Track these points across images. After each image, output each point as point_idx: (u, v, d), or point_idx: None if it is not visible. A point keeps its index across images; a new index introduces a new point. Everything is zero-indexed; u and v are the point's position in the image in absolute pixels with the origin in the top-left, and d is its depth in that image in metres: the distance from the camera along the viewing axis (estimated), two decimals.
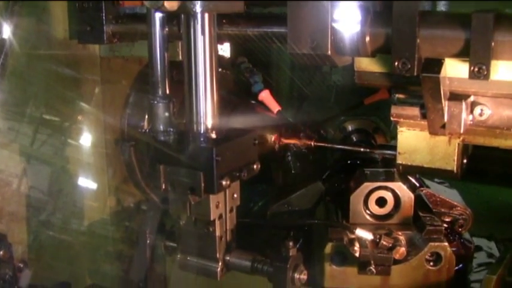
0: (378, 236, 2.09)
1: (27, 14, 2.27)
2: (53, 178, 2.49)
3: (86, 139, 2.53)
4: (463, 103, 1.74)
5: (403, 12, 1.60)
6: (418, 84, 1.69)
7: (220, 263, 1.94)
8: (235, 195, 1.95)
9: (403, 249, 2.10)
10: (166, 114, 1.90)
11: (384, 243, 2.09)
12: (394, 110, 1.89)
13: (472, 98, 1.78)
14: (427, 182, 2.41)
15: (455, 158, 1.90)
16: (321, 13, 1.69)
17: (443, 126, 1.77)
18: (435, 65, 1.64)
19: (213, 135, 1.81)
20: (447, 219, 2.27)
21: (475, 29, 1.53)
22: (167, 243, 2.14)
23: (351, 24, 1.66)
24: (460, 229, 2.27)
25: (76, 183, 2.55)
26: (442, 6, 1.88)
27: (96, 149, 2.55)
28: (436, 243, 2.14)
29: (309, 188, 2.43)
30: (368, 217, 2.22)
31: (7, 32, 2.21)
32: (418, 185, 2.34)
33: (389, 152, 2.31)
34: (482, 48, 1.53)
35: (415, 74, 1.63)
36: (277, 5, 2.00)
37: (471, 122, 1.79)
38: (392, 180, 2.20)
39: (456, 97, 1.75)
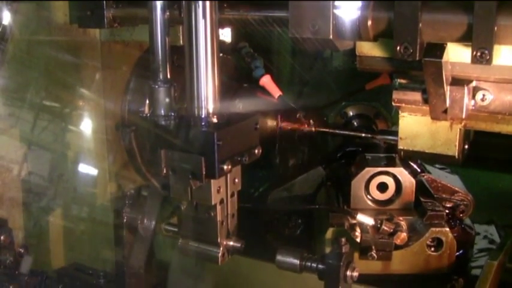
0: (379, 221, 2.11)
1: None
2: (53, 164, 2.46)
3: (86, 125, 2.50)
4: (465, 88, 1.73)
5: None
6: (420, 69, 1.69)
7: (221, 248, 1.93)
8: (236, 180, 1.93)
9: (404, 235, 2.12)
10: (167, 99, 1.89)
11: (385, 228, 2.11)
12: (396, 95, 1.89)
13: (474, 83, 1.77)
14: (429, 167, 2.41)
15: (457, 144, 1.89)
16: None
17: (445, 111, 1.77)
18: (437, 49, 1.63)
19: (214, 120, 1.79)
20: (448, 205, 2.27)
21: (478, 13, 1.52)
22: (168, 227, 2.13)
23: (352, 8, 1.65)
24: (461, 215, 2.27)
25: (76, 169, 2.53)
26: None
27: (96, 134, 2.51)
28: (437, 229, 2.16)
29: (310, 173, 2.43)
30: (369, 202, 2.23)
31: (7, 17, 2.19)
32: (419, 170, 2.33)
33: (390, 137, 2.31)
34: (484, 32, 1.52)
35: (417, 58, 1.61)
36: None
37: (473, 107, 1.78)
38: (393, 165, 2.21)
39: (458, 82, 1.74)
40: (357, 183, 2.20)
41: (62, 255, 2.53)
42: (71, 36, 2.38)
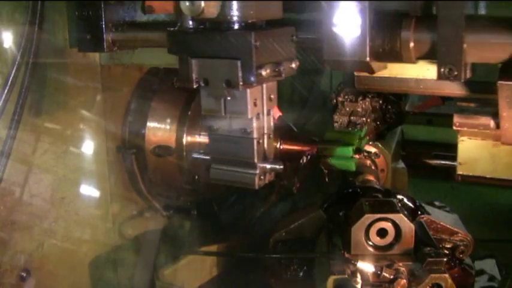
0: (380, 268, 1.52)
1: (27, 22, 1.61)
2: (54, 186, 1.81)
3: (88, 147, 1.89)
4: None
5: (449, 17, 1.13)
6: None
7: (258, 170, 1.31)
8: (272, 96, 1.33)
9: (404, 281, 1.53)
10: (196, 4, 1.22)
11: (386, 275, 1.52)
12: (457, 119, 1.47)
13: None
14: (428, 208, 1.77)
15: None
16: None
17: None
18: None
19: (249, 22, 1.22)
20: (448, 246, 1.68)
21: None
22: (198, 155, 1.42)
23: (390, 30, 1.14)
24: (461, 255, 1.69)
25: (78, 191, 1.89)
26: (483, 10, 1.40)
27: (97, 156, 1.90)
28: (437, 275, 1.54)
29: (310, 216, 1.75)
30: (369, 248, 1.58)
31: (7, 40, 1.58)
32: (419, 212, 1.70)
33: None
34: None
35: (462, 80, 1.17)
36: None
37: None
38: (392, 211, 1.57)
39: None
40: (357, 229, 1.57)
41: (65, 278, 1.84)
42: (71, 59, 1.77)
